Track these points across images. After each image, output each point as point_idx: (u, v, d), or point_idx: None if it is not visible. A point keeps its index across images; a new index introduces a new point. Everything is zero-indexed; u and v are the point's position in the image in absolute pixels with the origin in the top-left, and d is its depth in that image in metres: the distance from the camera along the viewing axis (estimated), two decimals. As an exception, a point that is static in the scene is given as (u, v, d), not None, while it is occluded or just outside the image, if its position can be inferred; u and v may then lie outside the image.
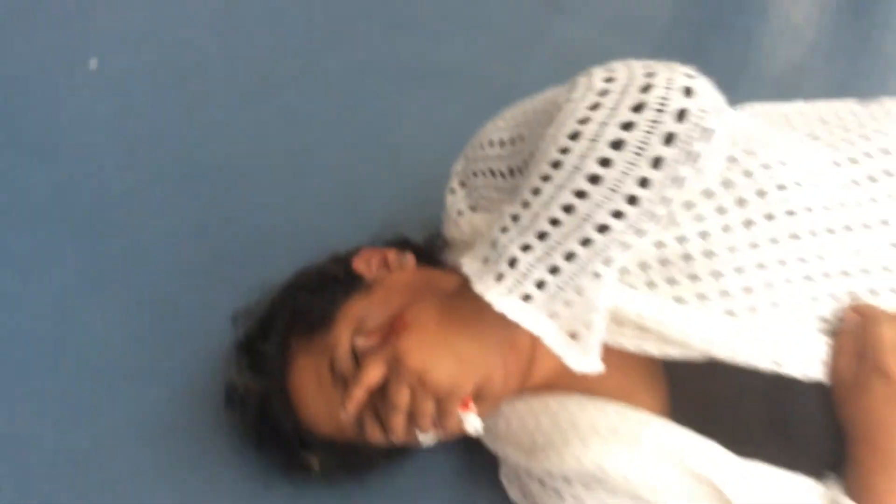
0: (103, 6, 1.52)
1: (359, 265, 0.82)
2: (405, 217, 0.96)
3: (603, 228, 0.61)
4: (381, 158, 1.25)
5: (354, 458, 0.83)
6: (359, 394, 0.71)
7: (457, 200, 0.84)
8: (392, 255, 0.83)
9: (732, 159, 0.73)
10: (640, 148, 0.59)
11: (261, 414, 0.81)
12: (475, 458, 0.91)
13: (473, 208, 0.83)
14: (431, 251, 0.88)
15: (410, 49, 1.45)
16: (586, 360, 0.68)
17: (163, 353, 1.01)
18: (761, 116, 0.90)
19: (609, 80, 0.62)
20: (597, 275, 0.64)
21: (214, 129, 1.29)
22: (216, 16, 1.51)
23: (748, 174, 0.72)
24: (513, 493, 0.87)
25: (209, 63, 1.41)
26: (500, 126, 0.78)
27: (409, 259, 0.83)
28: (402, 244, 0.88)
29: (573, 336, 0.67)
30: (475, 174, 0.81)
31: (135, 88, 1.35)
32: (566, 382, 0.80)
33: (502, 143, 0.77)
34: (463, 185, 0.84)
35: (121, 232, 1.15)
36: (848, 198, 0.76)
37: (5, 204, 1.18)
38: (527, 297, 0.64)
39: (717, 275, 0.71)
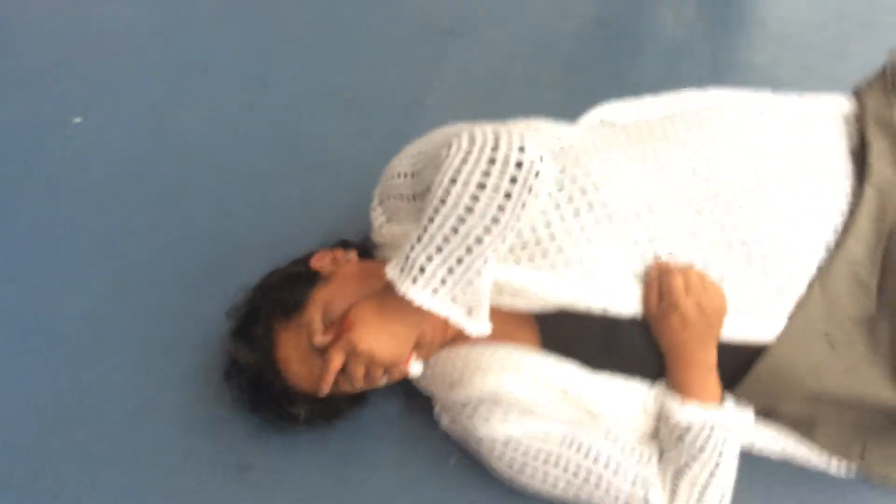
0: (83, 69, 1.75)
1: (316, 263, 1.12)
2: (344, 223, 1.25)
3: (478, 240, 0.93)
4: (318, 173, 1.52)
5: (329, 406, 1.13)
6: (329, 378, 1.02)
7: (377, 215, 1.16)
8: (339, 253, 1.14)
9: (563, 171, 1.04)
10: (495, 188, 0.91)
11: (256, 380, 1.10)
12: (413, 400, 1.22)
13: (390, 221, 1.13)
14: (367, 248, 1.18)
15: (333, 80, 1.72)
16: (479, 327, 1.00)
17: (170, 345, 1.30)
18: (607, 117, 1.22)
19: (472, 142, 0.94)
20: (478, 272, 0.96)
21: (185, 166, 1.55)
22: (181, 66, 1.75)
23: (574, 180, 1.04)
24: (443, 422, 1.18)
25: (177, 109, 1.65)
26: (403, 162, 1.10)
27: (353, 255, 1.14)
28: (345, 244, 1.18)
29: (469, 312, 0.99)
30: (389, 197, 1.12)
31: (113, 138, 1.60)
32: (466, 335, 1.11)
33: (405, 176, 1.09)
34: (381, 203, 1.15)
35: (113, 256, 1.42)
36: (651, 185, 1.07)
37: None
38: (434, 291, 0.95)
39: (559, 250, 1.02)
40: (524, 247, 1.03)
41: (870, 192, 1.09)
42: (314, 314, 1.05)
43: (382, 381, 1.06)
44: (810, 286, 1.05)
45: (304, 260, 1.14)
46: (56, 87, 1.70)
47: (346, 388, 1.06)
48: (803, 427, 1.17)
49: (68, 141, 1.59)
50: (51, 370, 1.29)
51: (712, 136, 1.12)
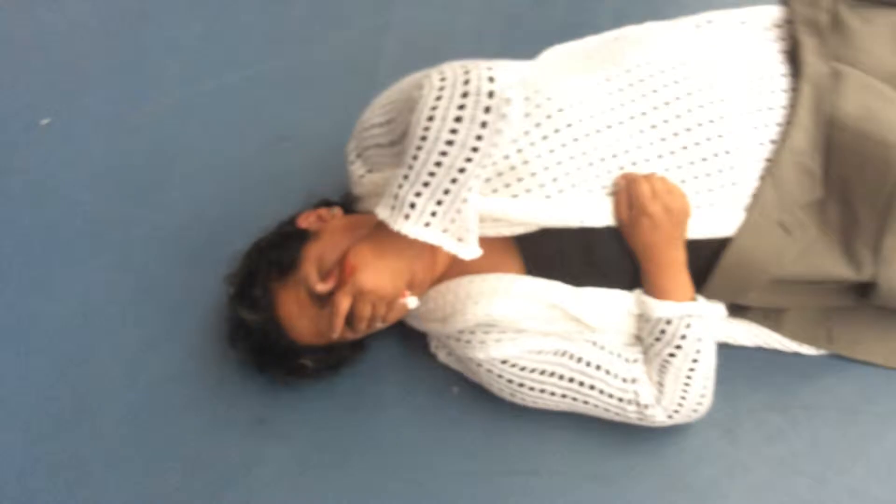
0: (51, 71, 1.76)
1: (303, 222, 1.18)
2: (319, 190, 1.31)
3: (461, 170, 0.99)
4: (287, 148, 1.58)
5: (333, 355, 1.19)
6: (339, 321, 1.07)
7: (356, 168, 1.21)
8: (324, 210, 1.19)
9: (528, 99, 1.11)
10: (472, 119, 0.98)
11: (261, 340, 1.15)
12: (410, 341, 1.29)
13: (370, 171, 1.19)
14: (349, 204, 1.24)
15: (288, 58, 1.76)
16: (471, 252, 1.06)
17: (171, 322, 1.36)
18: (558, 56, 1.29)
19: (443, 79, 1.00)
20: (465, 199, 1.02)
21: (157, 154, 1.59)
22: (142, 59, 1.77)
23: (538, 106, 1.11)
24: (441, 356, 1.25)
25: (142, 101, 1.68)
26: (375, 112, 1.15)
27: (338, 210, 1.20)
28: (328, 203, 1.23)
29: (460, 239, 1.05)
30: (366, 148, 1.18)
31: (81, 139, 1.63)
32: (458, 270, 1.17)
33: (381, 125, 1.14)
34: (358, 156, 1.20)
35: (101, 248, 1.46)
36: (608, 104, 1.14)
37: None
38: (427, 224, 1.02)
39: (533, 174, 1.09)
40: (500, 175, 1.10)
41: (805, 86, 1.17)
42: (309, 269, 1.10)
43: (380, 323, 1.12)
44: (762, 179, 1.14)
45: (291, 221, 1.19)
46: (20, 90, 1.72)
47: (348, 334, 1.12)
48: (771, 319, 1.27)
49: (39, 142, 1.61)
50: (61, 357, 1.34)
51: (656, 52, 1.19)
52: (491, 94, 0.98)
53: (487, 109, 0.98)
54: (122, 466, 1.23)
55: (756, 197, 1.13)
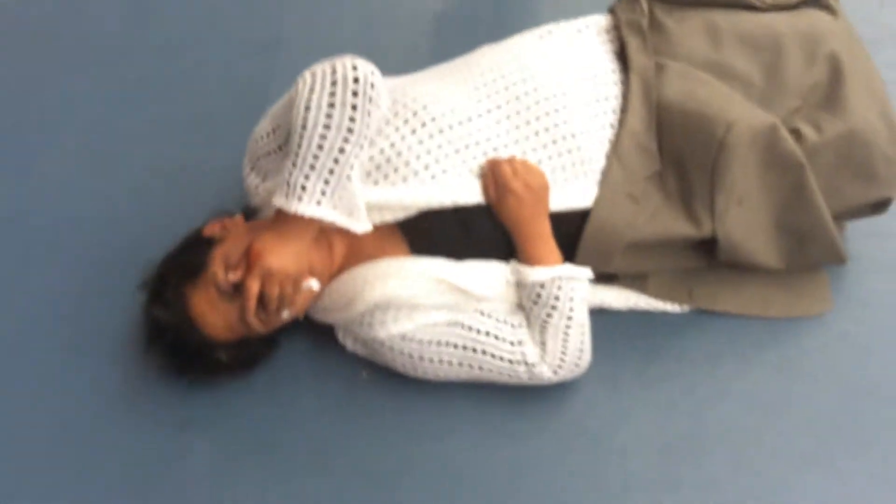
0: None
1: (208, 231, 1.30)
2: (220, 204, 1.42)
3: (341, 150, 1.14)
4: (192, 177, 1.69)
5: (246, 350, 1.30)
6: (251, 303, 1.19)
7: (251, 179, 1.35)
8: (227, 219, 1.32)
9: (395, 101, 1.27)
10: (342, 103, 1.13)
11: (177, 339, 1.25)
12: (318, 336, 1.41)
13: (264, 180, 1.32)
14: (249, 214, 1.37)
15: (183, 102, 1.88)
16: (361, 225, 1.21)
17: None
18: (420, 73, 1.43)
19: (314, 75, 1.16)
20: (349, 177, 1.17)
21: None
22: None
23: (405, 106, 1.27)
24: (348, 343, 1.37)
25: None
26: (264, 125, 1.30)
27: (239, 217, 1.33)
28: (230, 213, 1.36)
29: (350, 214, 1.19)
30: (258, 159, 1.32)
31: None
32: (353, 261, 1.31)
33: (269, 134, 1.29)
34: (252, 168, 1.34)
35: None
36: (466, 100, 1.30)
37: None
38: (318, 203, 1.16)
39: (406, 164, 1.24)
40: (378, 168, 1.25)
41: (634, 78, 1.37)
42: (217, 267, 1.22)
43: (288, 313, 1.23)
44: (608, 158, 1.32)
45: (198, 232, 1.31)
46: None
47: (260, 324, 1.23)
48: (637, 283, 1.44)
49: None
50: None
51: (507, 57, 1.37)
52: (356, 80, 1.15)
53: (355, 93, 1.14)
54: (52, 472, 1.30)
55: (605, 173, 1.31)
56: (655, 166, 1.34)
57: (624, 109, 1.35)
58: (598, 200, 1.30)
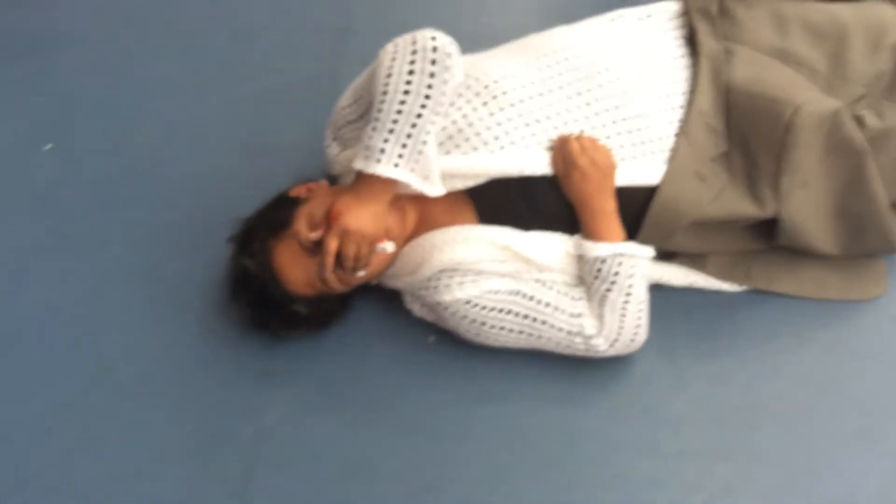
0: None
1: (294, 192, 1.38)
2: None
3: (419, 115, 1.22)
4: (265, 159, 1.78)
5: (323, 306, 1.38)
6: (330, 259, 1.26)
7: (332, 149, 1.43)
8: (312, 183, 1.40)
9: (468, 75, 1.34)
10: (421, 71, 1.21)
11: (260, 291, 1.32)
12: (388, 302, 1.48)
13: (345, 147, 1.40)
14: (331, 181, 1.45)
15: (257, 83, 1.97)
16: (436, 188, 1.28)
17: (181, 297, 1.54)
18: (491, 50, 1.50)
19: (395, 46, 1.24)
20: (425, 142, 1.24)
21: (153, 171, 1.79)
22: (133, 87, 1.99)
23: (477, 79, 1.33)
24: (415, 308, 1.44)
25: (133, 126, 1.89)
26: (346, 96, 1.38)
27: (324, 182, 1.41)
28: (314, 180, 1.44)
29: (425, 177, 1.26)
30: (339, 128, 1.39)
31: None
32: (424, 228, 1.37)
33: (350, 105, 1.37)
34: (334, 138, 1.42)
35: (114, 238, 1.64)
36: (538, 77, 1.36)
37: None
38: (396, 165, 1.23)
39: (477, 134, 1.31)
40: (451, 138, 1.31)
41: (704, 61, 1.42)
42: (301, 225, 1.29)
43: (363, 272, 1.31)
44: (677, 137, 1.37)
45: (284, 193, 1.40)
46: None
47: (337, 282, 1.31)
48: (696, 261, 1.49)
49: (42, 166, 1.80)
50: (83, 334, 1.50)
51: (578, 37, 1.43)
52: (434, 49, 1.22)
53: (433, 62, 1.22)
54: (144, 418, 1.39)
55: (674, 151, 1.36)
56: (723, 147, 1.39)
57: (693, 91, 1.40)
58: (666, 177, 1.35)
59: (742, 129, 1.39)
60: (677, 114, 1.39)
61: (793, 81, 1.39)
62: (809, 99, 1.35)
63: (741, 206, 1.38)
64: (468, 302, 1.33)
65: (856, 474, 1.30)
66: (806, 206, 1.37)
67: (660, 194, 1.34)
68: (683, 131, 1.37)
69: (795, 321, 1.48)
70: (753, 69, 1.41)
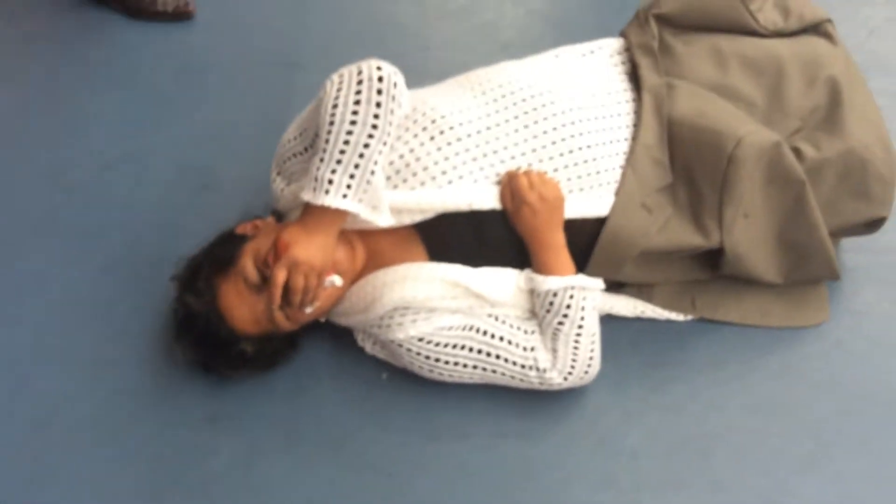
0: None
1: (240, 230, 1.35)
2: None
3: (366, 146, 1.21)
4: (212, 193, 1.75)
5: (269, 346, 1.35)
6: (277, 291, 1.23)
7: (277, 183, 1.41)
8: (258, 220, 1.38)
9: (415, 109, 1.33)
10: (368, 101, 1.20)
11: (205, 330, 1.29)
12: (338, 339, 1.46)
13: (290, 182, 1.39)
14: (277, 218, 1.43)
15: (205, 117, 1.95)
16: (385, 219, 1.27)
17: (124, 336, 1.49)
18: (435, 86, 1.49)
19: (340, 76, 1.23)
20: (373, 172, 1.23)
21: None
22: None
23: (424, 114, 1.33)
24: (367, 347, 1.42)
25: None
26: (291, 129, 1.37)
27: (270, 218, 1.39)
28: (261, 217, 1.42)
29: (374, 208, 1.26)
30: (285, 161, 1.38)
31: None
32: (372, 266, 1.36)
33: (296, 138, 1.35)
34: (279, 173, 1.40)
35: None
36: (484, 111, 1.36)
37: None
38: (344, 196, 1.21)
39: (425, 169, 1.30)
40: (398, 173, 1.31)
41: (647, 95, 1.44)
42: (247, 262, 1.27)
43: (310, 308, 1.28)
44: (623, 170, 1.39)
45: (229, 231, 1.37)
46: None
47: (285, 319, 1.28)
48: (644, 293, 1.51)
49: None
50: (18, 378, 1.45)
51: (524, 71, 1.44)
52: (381, 79, 1.22)
53: (379, 91, 1.22)
54: (85, 469, 1.34)
55: (621, 183, 1.38)
56: (668, 179, 1.41)
57: (637, 124, 1.42)
58: (614, 208, 1.36)
59: (686, 162, 1.41)
60: (623, 146, 1.41)
61: (733, 114, 1.42)
62: (750, 131, 1.38)
63: (686, 236, 1.41)
64: (421, 339, 1.32)
65: (810, 501, 1.32)
66: (748, 236, 1.40)
67: (608, 225, 1.36)
68: (629, 163, 1.39)
69: (744, 349, 1.50)
70: (695, 103, 1.44)
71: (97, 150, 1.85)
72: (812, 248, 1.43)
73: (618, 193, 1.37)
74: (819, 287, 1.55)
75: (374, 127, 1.21)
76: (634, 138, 1.41)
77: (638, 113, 1.44)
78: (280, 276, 1.23)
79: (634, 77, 1.49)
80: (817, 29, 1.55)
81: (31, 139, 1.89)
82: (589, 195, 1.37)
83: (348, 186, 1.22)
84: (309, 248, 1.23)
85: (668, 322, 1.53)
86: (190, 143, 1.87)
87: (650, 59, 1.50)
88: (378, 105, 1.22)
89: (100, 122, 1.92)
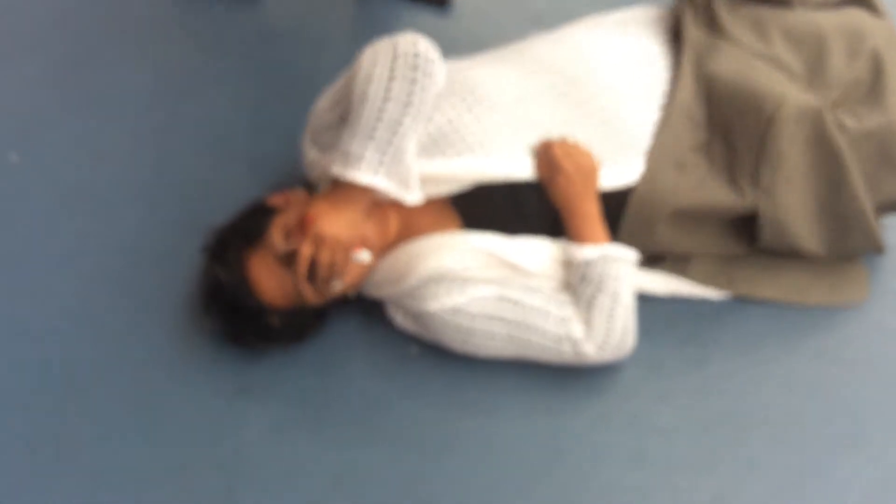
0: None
1: (271, 201, 1.34)
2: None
3: (399, 122, 1.19)
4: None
5: (298, 319, 1.34)
6: (303, 266, 1.23)
7: (311, 152, 1.39)
8: (289, 191, 1.37)
9: (453, 80, 1.32)
10: (403, 77, 1.18)
11: (233, 302, 1.29)
12: (368, 313, 1.45)
13: (323, 152, 1.37)
14: (309, 189, 1.42)
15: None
16: (415, 196, 1.26)
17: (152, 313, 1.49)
18: (471, 58, 1.48)
19: (376, 51, 1.21)
20: (405, 150, 1.21)
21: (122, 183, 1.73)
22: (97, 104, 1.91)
23: (461, 83, 1.32)
24: (398, 317, 1.40)
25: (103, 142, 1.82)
26: (324, 100, 1.35)
27: (301, 190, 1.37)
28: (291, 186, 1.41)
29: (404, 185, 1.24)
30: (318, 131, 1.36)
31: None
32: (407, 236, 1.35)
33: (330, 108, 1.34)
34: (313, 142, 1.39)
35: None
36: (520, 81, 1.35)
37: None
38: (375, 172, 1.20)
39: (462, 139, 1.29)
40: (436, 143, 1.29)
41: (688, 50, 1.42)
42: (276, 234, 1.26)
43: (339, 283, 1.27)
44: (657, 127, 1.37)
45: (260, 202, 1.36)
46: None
47: (312, 292, 1.27)
48: (679, 267, 1.48)
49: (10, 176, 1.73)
50: (56, 351, 1.45)
51: (560, 42, 1.43)
52: (416, 55, 1.20)
53: (414, 67, 1.19)
54: (117, 438, 1.34)
55: (654, 141, 1.35)
56: (703, 136, 1.39)
57: (674, 82, 1.40)
58: (646, 166, 1.34)
59: (723, 120, 1.39)
60: (657, 111, 1.39)
61: (776, 79, 1.39)
62: (793, 95, 1.35)
63: (720, 194, 1.38)
64: (455, 310, 1.30)
65: (844, 481, 1.30)
66: (790, 202, 1.37)
67: (640, 183, 1.34)
68: (664, 122, 1.36)
69: (781, 330, 1.47)
70: (736, 64, 1.41)
71: (127, 122, 1.82)
72: (855, 220, 1.40)
73: (650, 151, 1.35)
74: (859, 266, 1.51)
75: (408, 104, 1.20)
76: (672, 95, 1.38)
77: (677, 70, 1.41)
78: (307, 250, 1.22)
79: (675, 41, 1.47)
80: (862, 1, 1.51)
81: (55, 112, 1.86)
82: (623, 163, 1.35)
83: (379, 163, 1.21)
84: (336, 222, 1.22)
85: (704, 301, 1.50)
86: (220, 114, 1.83)
87: (695, 16, 1.47)
88: (413, 82, 1.19)
89: (131, 94, 1.89)
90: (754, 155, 1.36)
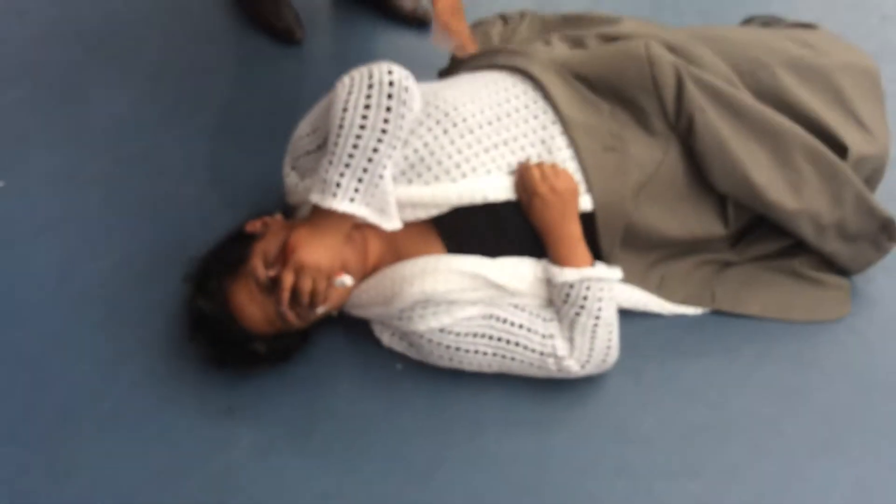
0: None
1: (249, 228, 1.36)
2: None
3: (375, 150, 1.21)
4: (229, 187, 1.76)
5: (282, 343, 1.36)
6: (285, 294, 1.25)
7: (291, 178, 1.41)
8: (267, 217, 1.38)
9: (428, 103, 1.34)
10: (378, 105, 1.20)
11: (217, 330, 1.30)
12: (352, 330, 1.47)
13: (303, 177, 1.39)
14: (288, 213, 1.44)
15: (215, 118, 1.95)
16: (392, 223, 1.28)
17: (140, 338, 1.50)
18: (444, 80, 1.50)
19: (352, 79, 1.23)
20: (381, 176, 1.23)
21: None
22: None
23: (437, 107, 1.34)
24: (384, 338, 1.43)
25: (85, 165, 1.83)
26: (303, 126, 1.37)
27: (279, 215, 1.39)
28: (270, 213, 1.42)
29: (381, 211, 1.26)
30: (298, 157, 1.38)
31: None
32: (390, 259, 1.37)
33: (308, 134, 1.36)
34: (293, 168, 1.41)
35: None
36: (494, 101, 1.38)
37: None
38: (352, 200, 1.22)
39: (439, 163, 1.31)
40: (412, 167, 1.32)
41: (534, 66, 1.45)
42: (256, 262, 1.28)
43: (321, 307, 1.29)
44: (569, 138, 1.39)
45: (238, 229, 1.38)
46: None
47: (295, 317, 1.29)
48: (665, 286, 1.52)
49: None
50: (45, 374, 1.46)
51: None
52: (391, 84, 1.22)
53: (390, 96, 1.21)
54: (108, 460, 1.35)
55: (576, 149, 1.38)
56: (603, 109, 1.43)
57: (548, 98, 1.41)
58: (591, 171, 1.37)
59: (610, 84, 1.44)
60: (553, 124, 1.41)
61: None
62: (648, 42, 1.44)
63: (646, 147, 1.42)
64: (443, 329, 1.33)
65: (823, 486, 1.33)
66: (708, 119, 1.39)
67: (595, 186, 1.37)
68: (568, 130, 1.38)
69: (758, 336, 1.50)
70: (579, 52, 1.52)
71: (110, 149, 1.84)
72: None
73: (579, 155, 1.37)
74: (842, 280, 1.56)
75: (384, 132, 1.22)
76: (556, 109, 1.40)
77: (543, 90, 1.42)
78: (288, 279, 1.24)
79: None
80: None
81: (41, 140, 1.88)
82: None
83: (356, 190, 1.23)
84: (316, 250, 1.24)
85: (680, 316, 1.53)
86: (201, 141, 1.86)
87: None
88: (388, 110, 1.22)
89: (111, 123, 1.91)
90: (655, 98, 1.41)
